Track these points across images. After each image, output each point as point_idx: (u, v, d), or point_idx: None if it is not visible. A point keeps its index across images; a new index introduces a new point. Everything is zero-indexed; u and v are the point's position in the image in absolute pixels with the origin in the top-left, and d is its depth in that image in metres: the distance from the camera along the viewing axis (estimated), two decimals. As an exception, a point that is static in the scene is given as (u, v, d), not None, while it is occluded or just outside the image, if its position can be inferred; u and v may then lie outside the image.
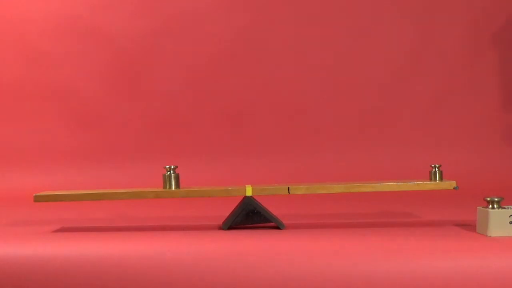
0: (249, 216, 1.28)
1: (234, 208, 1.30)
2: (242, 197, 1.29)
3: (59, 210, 1.61)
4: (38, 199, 1.29)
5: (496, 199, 1.17)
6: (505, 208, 1.16)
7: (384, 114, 2.25)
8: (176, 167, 1.30)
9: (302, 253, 1.09)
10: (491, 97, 2.25)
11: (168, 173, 1.29)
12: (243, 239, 1.18)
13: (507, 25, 2.26)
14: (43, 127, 2.18)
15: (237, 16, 2.24)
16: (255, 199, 1.29)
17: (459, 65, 2.26)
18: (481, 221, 1.18)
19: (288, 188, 1.29)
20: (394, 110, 2.25)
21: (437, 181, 1.31)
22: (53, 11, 2.19)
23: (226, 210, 1.33)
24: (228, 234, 1.23)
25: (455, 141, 2.22)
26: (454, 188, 1.29)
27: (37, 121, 2.18)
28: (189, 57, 2.22)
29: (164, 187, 1.30)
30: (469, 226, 1.25)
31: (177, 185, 1.30)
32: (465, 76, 2.26)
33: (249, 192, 1.29)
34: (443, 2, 2.27)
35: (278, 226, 1.29)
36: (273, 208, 1.32)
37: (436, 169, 1.31)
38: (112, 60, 2.20)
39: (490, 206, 1.17)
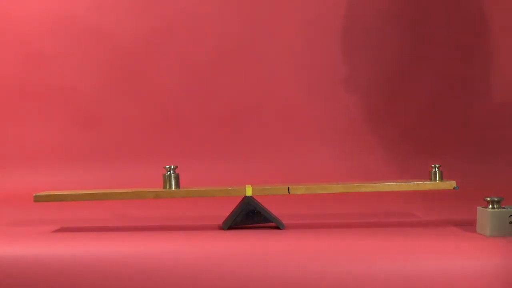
0: (249, 216, 1.28)
1: (234, 208, 1.30)
2: (242, 197, 1.29)
3: (59, 210, 1.61)
4: (38, 199, 1.29)
5: (496, 199, 1.17)
6: (505, 208, 1.16)
7: (384, 114, 2.24)
8: (176, 167, 1.30)
9: (302, 253, 1.09)
10: (492, 96, 2.25)
11: (168, 173, 1.29)
12: (243, 239, 1.18)
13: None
14: (43, 127, 2.17)
15: (237, 15, 2.24)
16: (255, 199, 1.29)
17: (459, 64, 2.26)
18: (481, 221, 1.18)
19: (288, 188, 1.29)
20: (393, 110, 2.25)
21: (437, 181, 1.31)
22: (52, 11, 2.19)
23: (226, 210, 1.33)
24: (228, 234, 1.23)
25: (455, 141, 2.22)
26: (454, 188, 1.29)
27: (36, 121, 2.18)
28: (190, 57, 2.22)
29: (164, 187, 1.30)
30: (469, 226, 1.25)
31: (177, 185, 1.30)
32: (465, 75, 2.26)
33: (249, 192, 1.29)
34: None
35: (278, 226, 1.29)
36: (273, 208, 1.32)
37: (436, 169, 1.31)
38: (112, 60, 2.20)
39: (490, 206, 1.17)
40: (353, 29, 2.25)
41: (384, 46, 2.26)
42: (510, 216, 1.15)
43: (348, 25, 2.25)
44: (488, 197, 1.17)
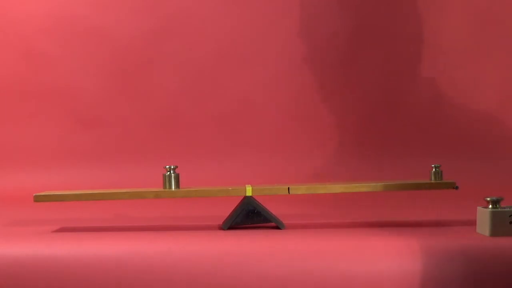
0: (249, 216, 1.28)
1: (234, 208, 1.30)
2: (242, 197, 1.29)
3: (59, 210, 1.61)
4: (38, 199, 1.29)
5: (496, 199, 1.17)
6: (505, 208, 1.16)
7: (384, 114, 2.24)
8: (176, 167, 1.30)
9: (302, 253, 1.09)
10: (491, 96, 2.25)
11: (168, 173, 1.29)
12: (243, 239, 1.18)
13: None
14: (43, 127, 2.18)
15: (238, 15, 2.24)
16: (255, 199, 1.29)
17: (458, 63, 2.26)
18: (481, 221, 1.18)
19: (288, 188, 1.29)
20: (393, 110, 2.25)
21: (437, 181, 1.31)
22: (52, 10, 2.19)
23: (226, 210, 1.33)
24: (228, 234, 1.23)
25: (455, 141, 2.22)
26: (454, 188, 1.29)
27: (37, 121, 2.18)
28: (190, 57, 2.22)
29: (164, 187, 1.30)
30: (469, 226, 1.25)
31: (177, 185, 1.30)
32: (465, 75, 2.26)
33: (249, 192, 1.28)
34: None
35: (278, 226, 1.29)
36: (273, 208, 1.32)
37: (436, 169, 1.31)
38: (112, 60, 2.20)
39: (490, 206, 1.17)
40: (351, 27, 2.25)
41: (383, 44, 2.26)
42: (510, 216, 1.15)
43: (347, 23, 2.25)
44: (488, 197, 1.17)
